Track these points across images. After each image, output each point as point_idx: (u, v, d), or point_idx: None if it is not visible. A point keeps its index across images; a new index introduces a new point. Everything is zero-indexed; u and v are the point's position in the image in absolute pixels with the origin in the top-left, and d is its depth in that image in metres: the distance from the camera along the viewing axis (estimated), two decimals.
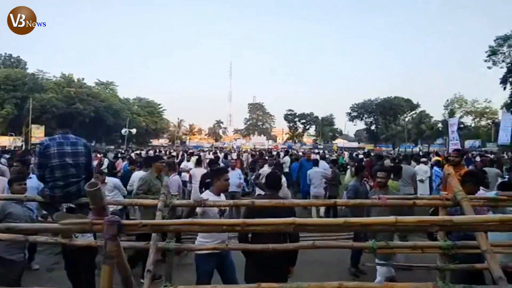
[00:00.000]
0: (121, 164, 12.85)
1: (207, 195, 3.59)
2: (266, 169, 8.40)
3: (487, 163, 9.04)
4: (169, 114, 78.72)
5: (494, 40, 35.46)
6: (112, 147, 51.26)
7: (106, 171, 10.36)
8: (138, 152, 27.73)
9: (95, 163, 12.10)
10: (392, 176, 6.25)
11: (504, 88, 32.56)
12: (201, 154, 25.93)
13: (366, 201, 2.90)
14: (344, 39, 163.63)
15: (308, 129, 79.03)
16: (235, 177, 8.66)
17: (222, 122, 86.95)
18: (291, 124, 77.67)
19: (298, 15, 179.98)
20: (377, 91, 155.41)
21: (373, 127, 70.78)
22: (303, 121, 76.79)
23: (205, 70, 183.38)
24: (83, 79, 54.96)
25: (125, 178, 8.07)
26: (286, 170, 13.06)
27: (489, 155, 23.64)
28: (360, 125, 74.51)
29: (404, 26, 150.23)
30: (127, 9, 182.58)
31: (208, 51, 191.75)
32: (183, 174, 10.32)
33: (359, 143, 73.34)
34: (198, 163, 9.45)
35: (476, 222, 1.68)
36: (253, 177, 11.23)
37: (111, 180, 6.66)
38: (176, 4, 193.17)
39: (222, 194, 3.77)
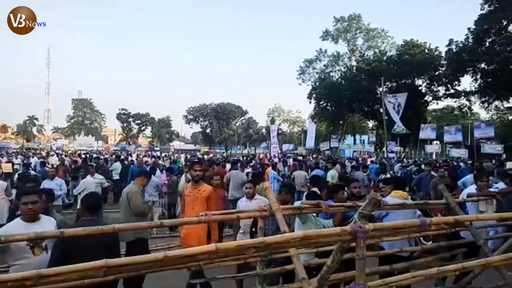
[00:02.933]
0: None
1: (18, 224, 2.93)
2: (89, 180, 7.41)
3: (297, 166, 10.78)
4: None
5: (303, 62, 43.18)
6: None
7: None
8: None
9: None
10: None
11: (310, 102, 39.94)
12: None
13: (194, 219, 2.88)
14: (179, 41, 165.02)
15: (143, 130, 75.85)
16: (51, 188, 7.34)
17: (37, 119, 72.66)
18: (125, 125, 72.79)
19: (132, 7, 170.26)
20: (211, 96, 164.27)
21: (208, 130, 74.09)
22: (138, 121, 73.20)
23: (9, 52, 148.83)
24: None
25: None
26: (116, 177, 12.04)
27: (299, 157, 28.42)
28: (196, 128, 76.83)
29: (232, 40, 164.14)
30: None
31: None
32: None
33: (195, 145, 75.42)
34: None
35: (285, 240, 1.87)
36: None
37: None
38: None
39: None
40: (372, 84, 32.52)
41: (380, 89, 28.93)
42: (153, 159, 19.60)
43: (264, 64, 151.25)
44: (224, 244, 1.71)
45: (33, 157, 20.69)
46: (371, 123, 47.34)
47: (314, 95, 38.59)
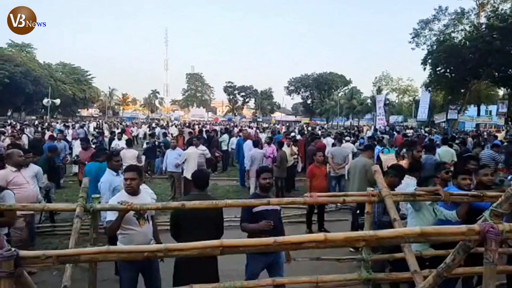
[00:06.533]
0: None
1: (123, 196, 3.17)
2: (190, 151, 8.13)
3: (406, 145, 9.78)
4: (99, 83, 73.22)
5: (417, 23, 38.19)
6: (34, 117, 46.43)
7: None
8: (65, 124, 25.32)
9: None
10: None
11: (424, 69, 35.58)
12: (133, 129, 24.62)
13: (298, 199, 2.92)
14: (282, 14, 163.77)
15: (247, 102, 79.29)
16: (173, 157, 8.43)
17: (158, 92, 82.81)
18: (231, 97, 77.20)
19: None
20: (313, 66, 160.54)
21: (309, 101, 73.29)
22: (243, 94, 76.74)
23: (138, 36, 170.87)
24: None
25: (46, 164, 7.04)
26: (225, 148, 12.95)
27: (409, 130, 26.10)
28: (297, 99, 76.81)
29: (337, 6, 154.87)
30: None
31: (141, 15, 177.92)
32: None
33: (296, 116, 75.80)
34: (129, 143, 8.84)
35: (399, 235, 1.74)
36: None
37: (33, 167, 5.11)
38: None
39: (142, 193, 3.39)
40: (507, 44, 27.09)
41: None
42: (255, 130, 20.44)
43: (371, 29, 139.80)
44: (333, 234, 1.68)
45: (156, 127, 23.67)
46: (501, 91, 40.08)
47: (430, 60, 34.12)
